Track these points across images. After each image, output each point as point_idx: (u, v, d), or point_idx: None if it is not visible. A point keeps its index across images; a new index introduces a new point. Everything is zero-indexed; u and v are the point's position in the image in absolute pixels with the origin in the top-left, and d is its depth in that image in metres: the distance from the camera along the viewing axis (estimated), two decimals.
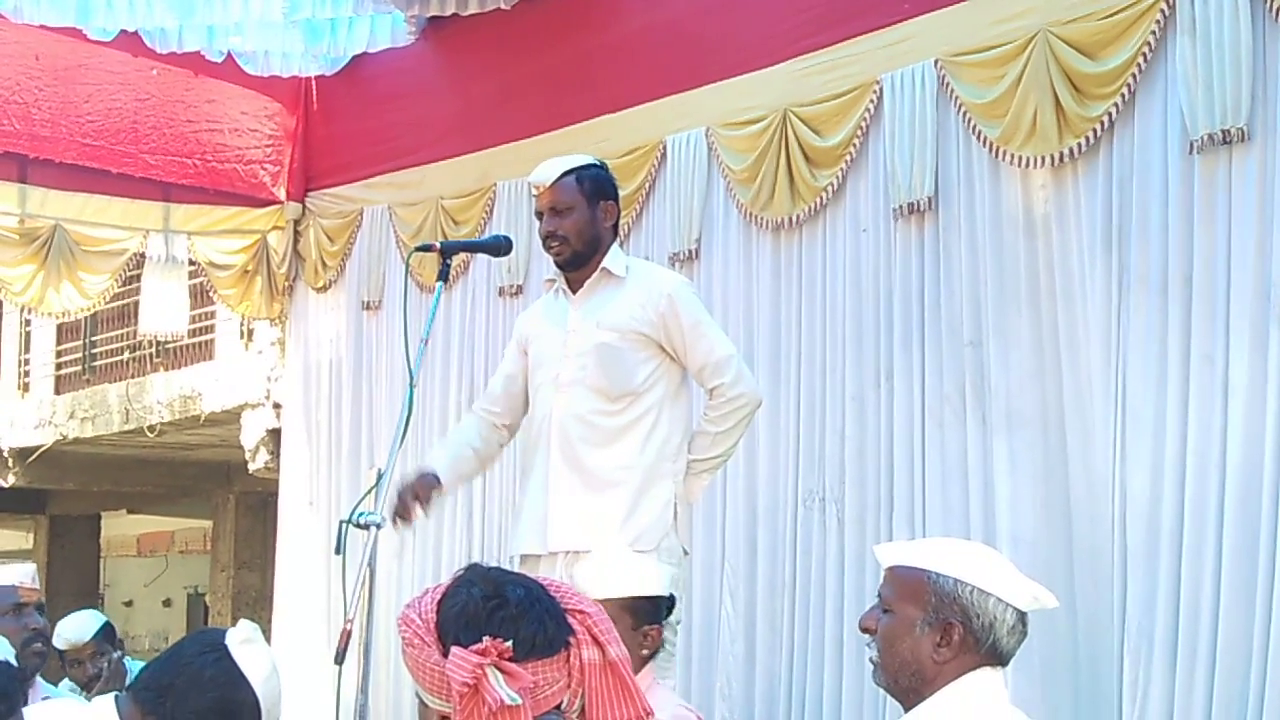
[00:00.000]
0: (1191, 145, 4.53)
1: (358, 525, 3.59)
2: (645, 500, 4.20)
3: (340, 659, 3.38)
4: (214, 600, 13.84)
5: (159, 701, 2.59)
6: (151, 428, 11.05)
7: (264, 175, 7.79)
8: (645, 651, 3.61)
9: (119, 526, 17.58)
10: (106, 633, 5.52)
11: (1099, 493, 4.74)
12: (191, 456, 12.72)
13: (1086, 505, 4.79)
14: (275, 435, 8.77)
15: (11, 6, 6.56)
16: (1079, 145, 4.81)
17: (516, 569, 3.09)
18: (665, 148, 6.12)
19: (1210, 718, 4.34)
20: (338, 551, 3.61)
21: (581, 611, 1.97)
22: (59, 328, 12.56)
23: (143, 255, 7.66)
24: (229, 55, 7.37)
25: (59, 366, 13.05)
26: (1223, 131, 4.44)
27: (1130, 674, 4.55)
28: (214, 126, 7.61)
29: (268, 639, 2.77)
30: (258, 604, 12.04)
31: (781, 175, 5.66)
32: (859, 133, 5.45)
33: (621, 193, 4.60)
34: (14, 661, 3.51)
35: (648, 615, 3.64)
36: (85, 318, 10.72)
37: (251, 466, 9.45)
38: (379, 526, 3.65)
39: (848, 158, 5.49)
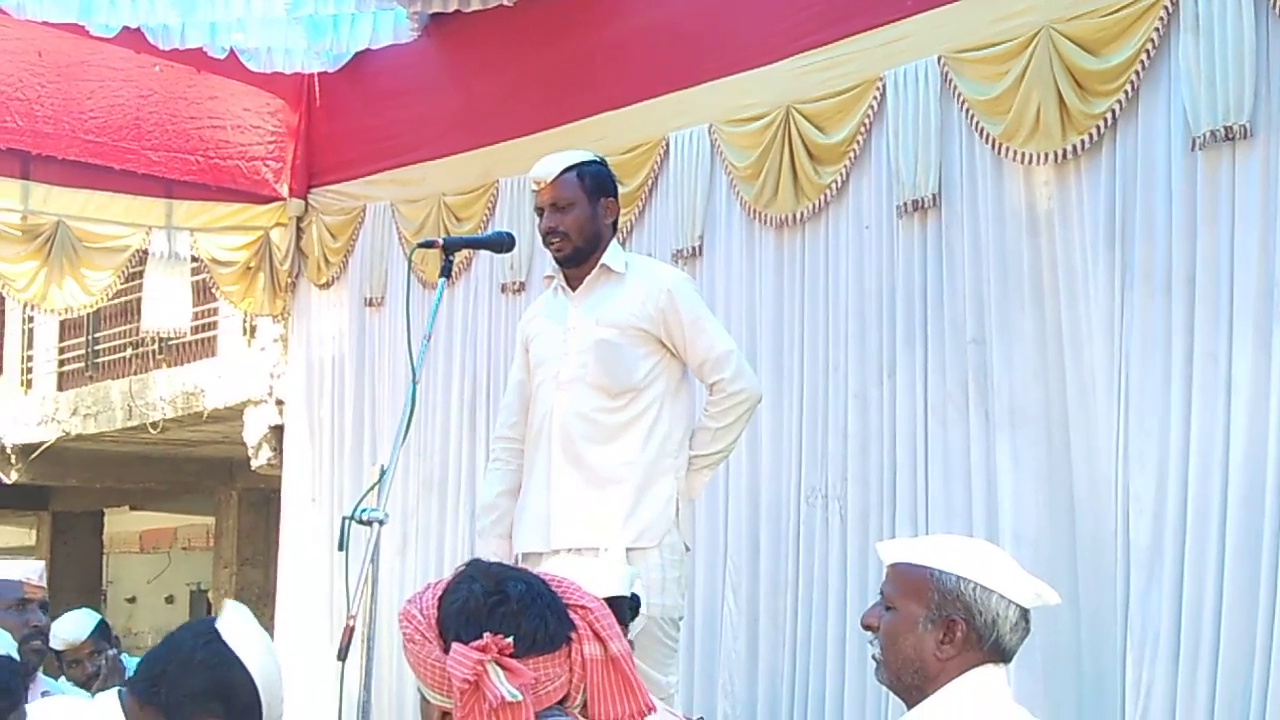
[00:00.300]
0: (1194, 142, 4.53)
1: (360, 521, 3.58)
2: (647, 497, 4.20)
3: (343, 655, 3.37)
4: (217, 597, 13.82)
5: (153, 690, 2.59)
6: (154, 424, 11.04)
7: (266, 172, 7.79)
8: None
9: (122, 523, 17.56)
10: (102, 630, 5.54)
11: (1102, 490, 4.74)
12: (194, 453, 12.71)
13: (1089, 502, 4.79)
14: (278, 432, 8.76)
15: (14, 3, 6.56)
16: (1082, 142, 4.81)
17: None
18: (668, 144, 6.11)
19: (1213, 714, 4.34)
20: (340, 548, 3.60)
21: (583, 607, 1.97)
22: (62, 324, 12.55)
23: (145, 252, 7.66)
24: (231, 52, 7.36)
25: (62, 363, 13.03)
26: (1226, 128, 4.43)
27: (1133, 671, 4.54)
28: (216, 123, 7.60)
29: (271, 636, 2.76)
30: (261, 600, 12.01)
31: (785, 172, 5.65)
32: (862, 130, 5.45)
33: (624, 190, 4.61)
34: (16, 656, 3.50)
35: None
36: (88, 314, 10.76)
37: (254, 463, 9.43)
38: (381, 523, 3.64)
39: (851, 155, 5.48)
